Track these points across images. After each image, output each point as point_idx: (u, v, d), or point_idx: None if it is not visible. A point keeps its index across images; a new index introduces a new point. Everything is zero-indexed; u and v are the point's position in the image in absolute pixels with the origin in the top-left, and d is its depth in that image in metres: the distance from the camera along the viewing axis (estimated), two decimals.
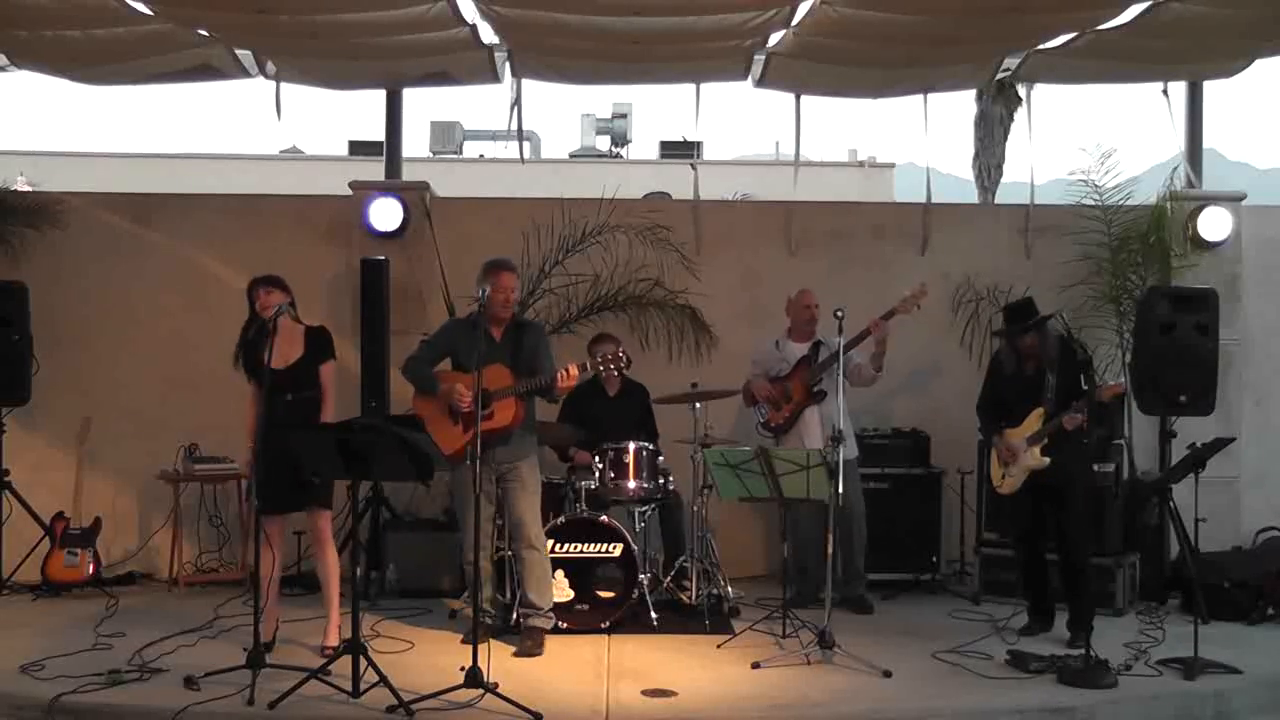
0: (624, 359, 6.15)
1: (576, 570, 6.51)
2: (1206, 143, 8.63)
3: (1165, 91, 8.30)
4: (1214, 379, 7.49)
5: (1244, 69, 7.97)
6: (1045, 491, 6.37)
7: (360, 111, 13.21)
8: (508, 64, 8.04)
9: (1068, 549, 6.36)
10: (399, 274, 7.89)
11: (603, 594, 6.56)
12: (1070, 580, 6.37)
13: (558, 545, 6.54)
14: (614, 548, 6.59)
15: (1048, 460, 6.27)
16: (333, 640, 5.89)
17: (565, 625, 6.38)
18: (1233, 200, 8.38)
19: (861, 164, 23.98)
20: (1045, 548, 6.52)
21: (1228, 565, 7.18)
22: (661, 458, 7.07)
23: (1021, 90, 9.18)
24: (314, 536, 6.00)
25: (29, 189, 9.62)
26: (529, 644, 6.11)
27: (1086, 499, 6.46)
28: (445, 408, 6.15)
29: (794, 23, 7.15)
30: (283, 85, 8.07)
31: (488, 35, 7.52)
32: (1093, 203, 8.22)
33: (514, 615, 6.42)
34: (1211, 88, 8.63)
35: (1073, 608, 6.38)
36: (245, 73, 7.96)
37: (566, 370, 5.97)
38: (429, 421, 6.17)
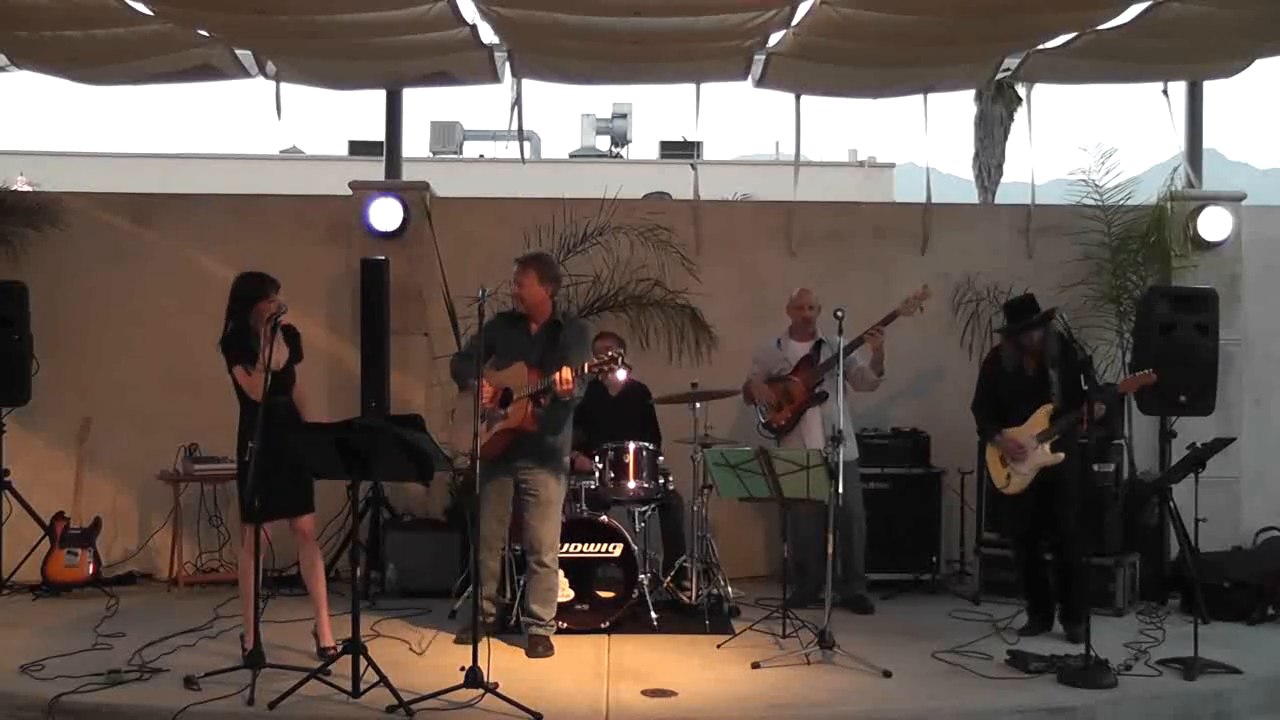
0: (618, 356, 5.93)
1: (576, 570, 6.50)
2: (1206, 143, 8.63)
3: (1165, 91, 8.31)
4: (1214, 379, 7.50)
5: (1244, 69, 7.97)
6: (1043, 489, 6.36)
7: (360, 111, 13.21)
8: (508, 64, 8.05)
9: (1061, 543, 6.37)
10: (399, 274, 7.89)
11: (603, 594, 6.56)
12: (1063, 574, 6.38)
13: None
14: (614, 548, 6.59)
15: (1061, 455, 6.26)
16: (328, 639, 5.88)
17: (565, 625, 6.36)
18: (1233, 200, 8.39)
19: (861, 164, 23.99)
20: (1044, 548, 6.51)
21: (1228, 565, 7.18)
22: (661, 458, 7.07)
23: (1021, 90, 9.18)
24: (303, 538, 5.97)
25: (29, 189, 9.61)
26: (540, 648, 6.10)
27: (1079, 494, 6.43)
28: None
29: (794, 23, 7.16)
30: (283, 85, 8.08)
31: (488, 35, 7.53)
32: (1093, 203, 8.23)
33: (513, 616, 6.41)
34: (1211, 88, 8.66)
35: (1066, 601, 6.40)
36: (245, 73, 7.97)
37: (560, 374, 5.78)
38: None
